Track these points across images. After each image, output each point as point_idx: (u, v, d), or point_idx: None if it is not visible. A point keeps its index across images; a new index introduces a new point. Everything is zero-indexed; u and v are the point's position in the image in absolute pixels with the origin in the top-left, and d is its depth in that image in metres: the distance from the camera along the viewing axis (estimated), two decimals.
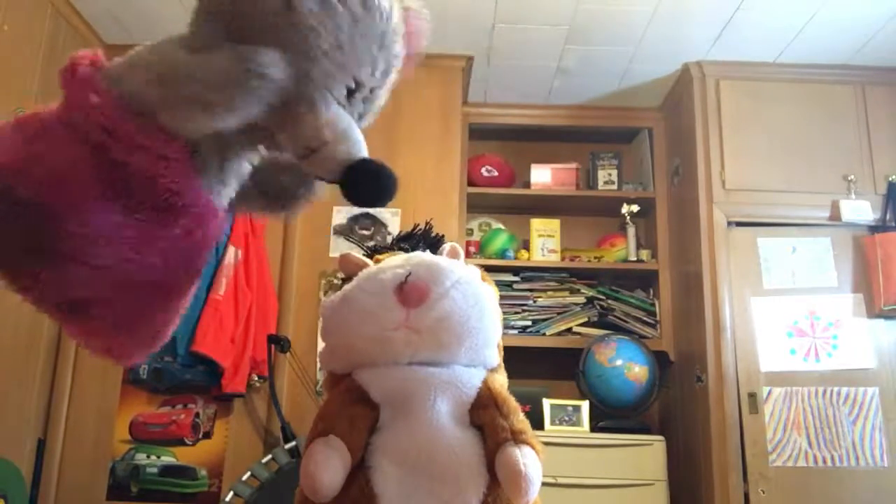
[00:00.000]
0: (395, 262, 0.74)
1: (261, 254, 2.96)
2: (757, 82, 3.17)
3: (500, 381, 0.76)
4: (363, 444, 0.67)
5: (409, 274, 0.70)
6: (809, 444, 2.80)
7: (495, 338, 0.74)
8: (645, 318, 3.32)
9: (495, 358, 0.74)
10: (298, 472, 0.72)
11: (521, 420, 0.67)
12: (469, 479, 0.63)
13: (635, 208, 3.40)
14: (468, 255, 3.37)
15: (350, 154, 0.69)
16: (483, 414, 0.66)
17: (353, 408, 0.69)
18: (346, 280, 0.91)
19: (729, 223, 3.05)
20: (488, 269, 3.71)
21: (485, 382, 0.69)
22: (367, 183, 0.68)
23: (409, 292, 0.67)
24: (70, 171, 0.68)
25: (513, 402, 0.69)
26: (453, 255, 0.99)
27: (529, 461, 0.61)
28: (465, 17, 2.93)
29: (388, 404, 0.68)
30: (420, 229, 1.07)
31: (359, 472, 0.66)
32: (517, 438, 0.64)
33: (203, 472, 2.85)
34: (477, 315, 0.71)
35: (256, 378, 2.87)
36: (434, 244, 1.05)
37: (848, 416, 2.82)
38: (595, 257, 3.44)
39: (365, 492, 0.65)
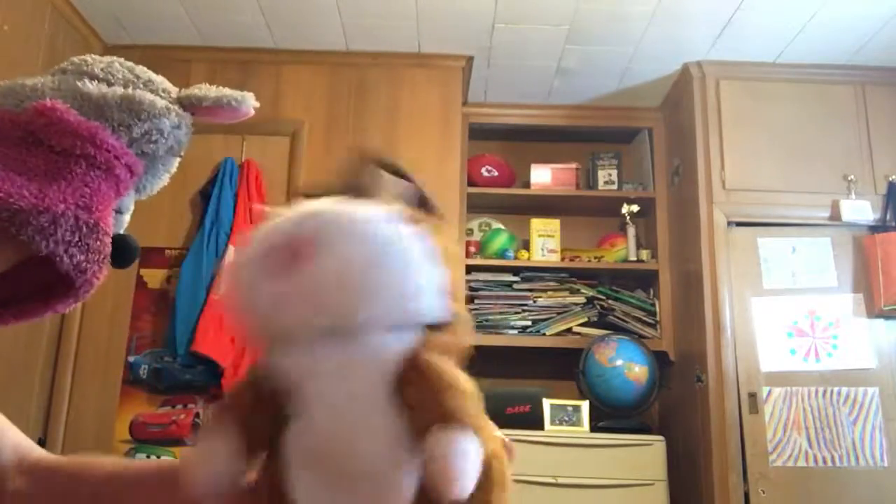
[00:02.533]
0: (283, 217, 0.61)
1: None
2: (757, 82, 3.17)
3: (444, 343, 0.57)
4: (267, 433, 0.55)
5: (293, 228, 0.56)
6: (809, 444, 2.80)
7: (428, 284, 0.57)
8: (645, 318, 3.32)
9: (435, 309, 0.57)
10: None
11: (457, 395, 0.52)
12: (394, 475, 0.52)
13: (635, 208, 3.40)
14: (468, 254, 3.37)
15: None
16: (410, 392, 0.53)
17: (254, 392, 0.56)
18: None
19: (729, 223, 3.05)
20: (488, 269, 3.69)
21: (413, 352, 0.54)
22: (123, 253, 0.72)
23: (291, 252, 0.54)
24: None
25: (450, 375, 0.53)
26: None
27: (457, 449, 0.48)
28: (465, 17, 2.93)
29: (297, 390, 0.55)
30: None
31: (273, 471, 0.57)
32: (448, 420, 0.50)
33: None
34: (385, 265, 0.55)
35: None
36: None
37: (848, 416, 2.82)
38: (595, 257, 3.44)
39: (278, 495, 0.55)
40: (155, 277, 2.99)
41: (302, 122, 3.14)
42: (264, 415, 0.54)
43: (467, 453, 0.48)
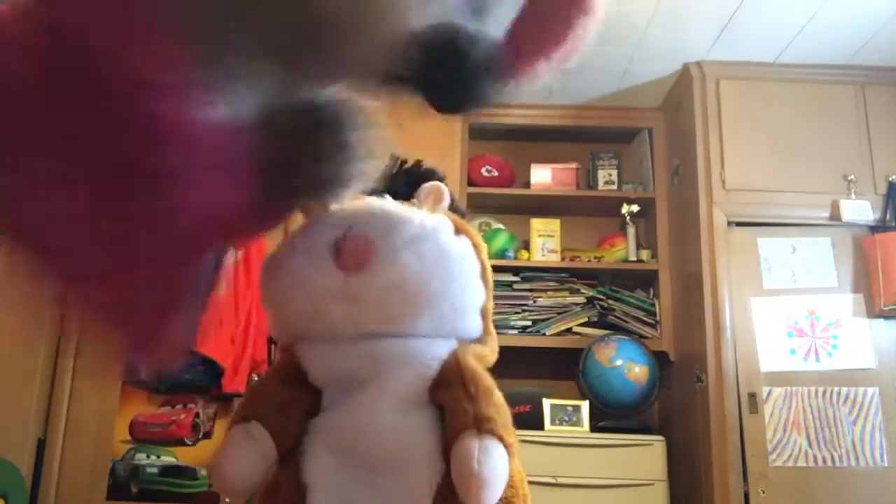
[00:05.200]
0: (339, 212, 0.55)
1: (261, 252, 2.96)
2: (757, 82, 3.17)
3: (479, 353, 0.56)
4: (296, 431, 0.52)
5: (349, 228, 0.53)
6: (809, 444, 2.80)
7: (474, 302, 0.54)
8: (645, 318, 3.32)
9: (475, 327, 0.55)
10: None
11: (491, 404, 0.51)
12: (419, 470, 0.50)
13: (635, 208, 3.40)
14: None
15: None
16: (445, 393, 0.51)
17: (284, 390, 0.52)
18: None
19: (729, 223, 3.05)
20: None
21: (453, 356, 0.52)
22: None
23: (348, 253, 0.51)
24: None
25: (486, 381, 0.52)
26: (435, 198, 0.69)
27: (488, 458, 0.46)
28: None
29: (331, 385, 0.52)
30: (404, 165, 0.73)
31: (290, 460, 0.55)
32: (481, 427, 0.49)
33: (203, 472, 2.85)
34: (442, 279, 0.53)
35: (256, 378, 2.87)
36: (417, 181, 0.77)
37: (848, 416, 2.82)
38: (595, 257, 3.44)
39: (292, 481, 0.51)
40: None
41: None
42: (297, 412, 0.52)
43: (497, 463, 0.47)
